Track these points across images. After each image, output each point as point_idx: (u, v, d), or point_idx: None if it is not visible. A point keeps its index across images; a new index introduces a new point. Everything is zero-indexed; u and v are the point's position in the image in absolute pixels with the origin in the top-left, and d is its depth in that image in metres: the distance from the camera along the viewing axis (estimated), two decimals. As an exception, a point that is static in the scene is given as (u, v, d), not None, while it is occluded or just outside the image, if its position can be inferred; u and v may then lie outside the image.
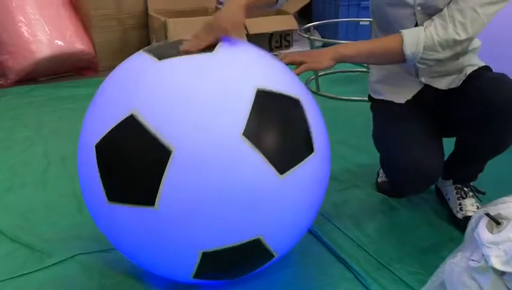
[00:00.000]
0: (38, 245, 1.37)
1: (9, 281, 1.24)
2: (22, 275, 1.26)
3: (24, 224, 1.48)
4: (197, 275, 1.02)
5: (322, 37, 3.55)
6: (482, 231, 0.98)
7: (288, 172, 0.95)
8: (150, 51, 1.05)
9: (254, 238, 0.97)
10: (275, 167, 0.92)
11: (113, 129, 0.94)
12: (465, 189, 1.48)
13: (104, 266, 1.28)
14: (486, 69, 1.42)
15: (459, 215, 1.44)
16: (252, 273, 1.13)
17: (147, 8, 3.25)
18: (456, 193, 1.49)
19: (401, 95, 1.47)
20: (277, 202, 0.96)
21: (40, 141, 2.11)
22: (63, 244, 1.37)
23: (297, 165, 0.97)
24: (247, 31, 3.34)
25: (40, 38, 2.82)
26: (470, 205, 1.44)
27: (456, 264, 1.04)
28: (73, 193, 1.63)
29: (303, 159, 0.99)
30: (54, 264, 1.29)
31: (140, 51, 1.08)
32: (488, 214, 1.00)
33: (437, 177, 1.38)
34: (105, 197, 0.95)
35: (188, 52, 1.00)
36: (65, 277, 1.25)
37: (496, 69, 1.40)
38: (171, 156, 0.88)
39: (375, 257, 1.31)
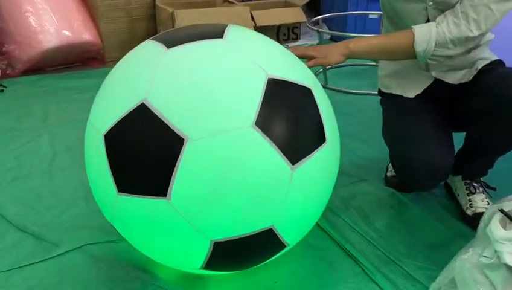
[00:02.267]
0: (45, 235, 1.37)
1: (16, 271, 1.24)
2: (28, 264, 1.26)
3: (31, 214, 1.48)
4: (207, 265, 1.01)
5: (330, 30, 3.52)
6: (495, 227, 0.97)
7: (300, 162, 0.94)
8: (158, 39, 1.03)
9: (266, 228, 0.96)
10: (287, 157, 0.91)
11: (123, 118, 0.92)
12: (475, 185, 1.47)
13: (112, 257, 1.28)
14: (498, 63, 1.40)
15: (469, 212, 1.42)
16: (260, 266, 1.13)
17: (154, -1, 3.24)
18: (465, 189, 1.47)
19: (411, 89, 1.46)
20: (289, 191, 0.94)
21: (46, 131, 2.11)
22: (70, 235, 1.37)
23: (309, 155, 0.96)
24: (254, 23, 3.32)
25: (47, 29, 2.81)
26: (480, 201, 1.43)
27: (467, 260, 1.03)
28: (80, 183, 1.62)
29: (315, 149, 0.97)
30: (60, 254, 1.29)
31: (148, 39, 1.07)
32: (501, 210, 0.99)
33: (447, 174, 1.37)
34: (115, 189, 0.94)
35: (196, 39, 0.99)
36: (72, 267, 1.25)
37: (509, 63, 1.39)
38: (184, 144, 0.86)
39: (384, 252, 1.30)
